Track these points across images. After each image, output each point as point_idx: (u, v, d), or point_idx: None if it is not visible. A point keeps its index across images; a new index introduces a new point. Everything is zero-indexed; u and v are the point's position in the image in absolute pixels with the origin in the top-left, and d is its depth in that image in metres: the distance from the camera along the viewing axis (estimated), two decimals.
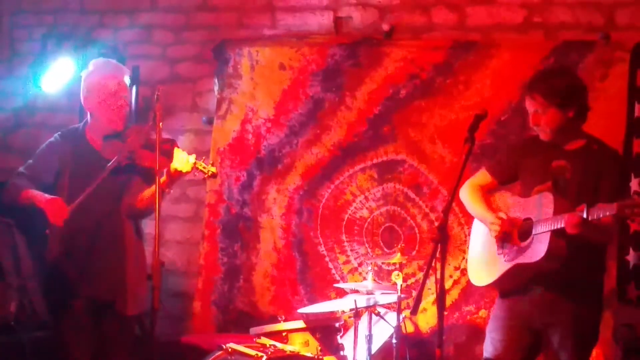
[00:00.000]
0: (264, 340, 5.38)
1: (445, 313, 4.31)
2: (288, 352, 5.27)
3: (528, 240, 4.90)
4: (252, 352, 5.17)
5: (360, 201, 6.96)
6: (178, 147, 5.25)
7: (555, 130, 5.00)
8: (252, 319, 6.94)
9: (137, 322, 5.74)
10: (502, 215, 5.05)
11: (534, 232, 4.88)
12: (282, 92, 7.22)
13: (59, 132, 5.54)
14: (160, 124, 4.88)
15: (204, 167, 5.27)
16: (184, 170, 5.19)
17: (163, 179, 5.18)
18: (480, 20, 6.89)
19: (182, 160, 5.17)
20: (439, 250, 4.17)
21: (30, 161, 5.47)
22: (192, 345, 6.22)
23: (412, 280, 6.71)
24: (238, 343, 5.32)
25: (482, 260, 5.20)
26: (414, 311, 4.30)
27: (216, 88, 7.40)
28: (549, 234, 4.77)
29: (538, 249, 4.82)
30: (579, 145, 5.03)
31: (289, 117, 7.19)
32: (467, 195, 5.32)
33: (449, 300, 6.30)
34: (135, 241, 5.47)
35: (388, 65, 6.96)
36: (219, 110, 7.38)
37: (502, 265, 5.01)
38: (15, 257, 6.80)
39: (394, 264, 5.84)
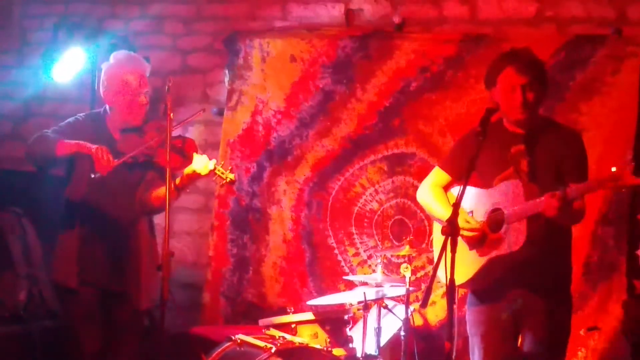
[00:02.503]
0: (273, 331, 5.40)
1: (455, 306, 4.28)
2: (297, 344, 5.27)
3: (502, 231, 4.73)
4: (261, 344, 5.17)
5: (370, 194, 6.97)
6: (197, 151, 5.24)
7: (534, 110, 4.82)
8: (261, 310, 6.95)
9: (147, 314, 5.75)
10: (472, 220, 4.88)
11: (507, 221, 4.70)
12: (292, 84, 7.22)
13: (81, 115, 5.50)
14: (171, 114, 4.88)
15: (222, 173, 5.18)
16: (202, 174, 5.15)
17: (179, 180, 5.19)
18: (491, 13, 6.88)
19: (200, 163, 5.14)
20: (448, 243, 4.17)
21: (56, 127, 5.38)
22: (201, 336, 6.22)
23: (422, 273, 6.71)
24: (247, 334, 5.34)
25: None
26: (424, 304, 4.29)
27: (227, 79, 7.41)
28: (525, 221, 4.62)
29: (516, 238, 4.65)
30: (535, 128, 4.83)
31: (299, 109, 7.19)
32: (428, 196, 5.15)
33: (458, 294, 6.30)
34: (149, 236, 5.48)
35: (399, 58, 6.96)
36: (229, 102, 7.38)
37: (476, 261, 4.84)
38: (25, 246, 6.82)
39: (403, 256, 5.84)
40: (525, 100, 4.77)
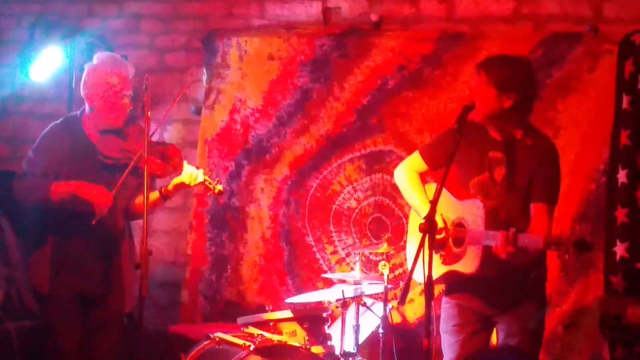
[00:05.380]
0: (252, 329, 5.40)
1: (433, 303, 4.29)
2: (275, 342, 5.27)
3: (462, 249, 4.76)
4: (240, 342, 5.18)
5: (348, 192, 6.97)
6: (181, 158, 5.31)
7: (487, 115, 4.80)
8: (240, 308, 6.94)
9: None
10: (440, 221, 4.86)
11: (466, 242, 4.73)
12: (270, 82, 7.22)
13: (55, 124, 5.44)
14: (149, 113, 4.88)
15: (210, 184, 5.32)
16: (191, 184, 5.31)
17: (170, 187, 5.34)
18: (468, 11, 6.90)
19: (190, 175, 5.27)
20: (426, 240, 4.18)
21: (32, 155, 5.35)
22: (179, 334, 6.22)
23: (400, 270, 6.72)
24: (226, 332, 5.34)
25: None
26: (402, 301, 4.29)
27: (204, 78, 7.39)
28: (481, 248, 4.63)
29: (472, 261, 4.68)
30: (515, 138, 4.85)
31: (277, 107, 7.18)
32: (405, 180, 5.15)
33: (436, 291, 6.31)
34: (129, 239, 5.48)
35: (376, 56, 6.97)
36: (207, 100, 7.36)
37: (439, 267, 4.84)
38: (3, 246, 6.77)
39: (382, 254, 5.85)
40: (472, 101, 4.76)
